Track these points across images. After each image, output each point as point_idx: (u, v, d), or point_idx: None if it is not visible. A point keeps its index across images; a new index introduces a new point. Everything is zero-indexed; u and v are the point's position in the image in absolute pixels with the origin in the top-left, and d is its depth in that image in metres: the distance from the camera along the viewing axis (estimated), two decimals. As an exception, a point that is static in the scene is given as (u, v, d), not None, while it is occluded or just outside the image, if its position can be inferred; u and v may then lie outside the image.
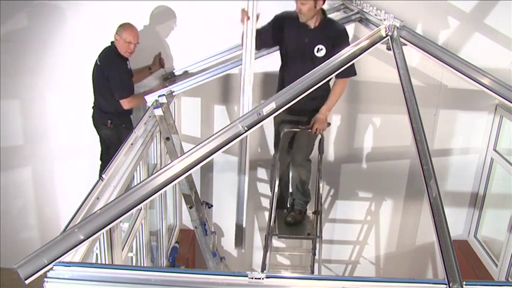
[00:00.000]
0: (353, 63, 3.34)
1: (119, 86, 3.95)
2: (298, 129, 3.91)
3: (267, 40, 3.70)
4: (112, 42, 4.00)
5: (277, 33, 3.71)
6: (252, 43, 3.35)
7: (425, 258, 5.15)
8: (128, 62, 4.10)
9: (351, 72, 3.63)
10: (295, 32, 3.68)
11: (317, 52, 3.64)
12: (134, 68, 4.20)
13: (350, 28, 3.99)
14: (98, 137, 4.20)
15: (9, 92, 4.49)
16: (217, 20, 4.27)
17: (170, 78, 4.33)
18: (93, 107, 4.16)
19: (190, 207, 4.12)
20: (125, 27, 3.93)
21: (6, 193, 4.80)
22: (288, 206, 4.29)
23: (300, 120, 3.89)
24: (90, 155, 4.52)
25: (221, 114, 4.62)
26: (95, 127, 4.20)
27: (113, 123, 4.07)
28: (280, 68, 3.91)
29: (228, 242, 5.16)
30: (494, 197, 4.75)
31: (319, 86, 2.60)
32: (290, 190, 4.32)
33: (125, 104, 3.97)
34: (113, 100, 3.99)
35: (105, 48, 4.01)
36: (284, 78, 3.83)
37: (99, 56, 4.00)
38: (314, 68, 3.21)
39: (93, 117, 4.18)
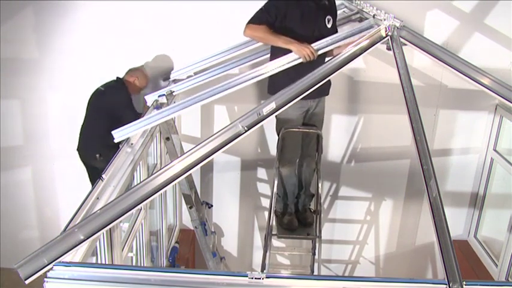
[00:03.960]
0: None
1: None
2: (297, 129, 3.88)
3: (281, 14, 3.44)
4: (118, 78, 4.06)
5: (291, 6, 3.49)
6: None
7: (425, 258, 5.15)
8: None
9: None
10: (309, 4, 3.55)
11: (328, 23, 3.57)
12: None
13: (350, 28, 3.98)
14: None
15: (9, 92, 4.49)
16: (217, 20, 4.27)
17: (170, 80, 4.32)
18: (79, 138, 4.00)
19: (190, 207, 4.12)
20: (144, 74, 4.14)
21: (6, 193, 4.80)
22: (299, 208, 4.16)
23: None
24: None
25: (221, 114, 4.62)
26: (83, 161, 4.04)
27: (102, 156, 3.88)
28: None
29: (228, 242, 5.17)
30: (494, 197, 4.75)
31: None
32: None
33: None
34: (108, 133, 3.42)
35: (112, 82, 4.05)
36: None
37: (106, 86, 4.01)
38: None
39: (79, 149, 4.02)
